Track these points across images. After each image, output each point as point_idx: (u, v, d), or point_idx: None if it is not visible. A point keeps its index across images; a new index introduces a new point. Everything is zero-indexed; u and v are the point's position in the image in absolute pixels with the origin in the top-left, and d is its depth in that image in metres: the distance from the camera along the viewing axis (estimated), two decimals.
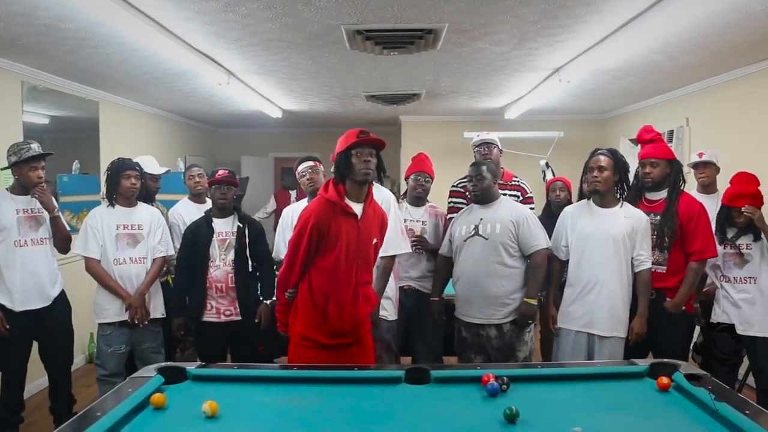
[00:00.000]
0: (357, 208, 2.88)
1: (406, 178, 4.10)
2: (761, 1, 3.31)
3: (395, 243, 3.36)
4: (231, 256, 3.73)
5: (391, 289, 3.51)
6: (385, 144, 2.91)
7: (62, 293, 3.86)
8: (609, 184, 3.36)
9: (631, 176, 3.50)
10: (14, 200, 3.69)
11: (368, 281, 3.01)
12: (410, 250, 3.59)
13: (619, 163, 3.38)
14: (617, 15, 3.54)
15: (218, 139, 10.27)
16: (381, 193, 3.47)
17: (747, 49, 4.41)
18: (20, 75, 4.73)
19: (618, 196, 3.42)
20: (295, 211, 3.56)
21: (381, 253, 3.38)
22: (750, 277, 3.59)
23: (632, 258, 3.33)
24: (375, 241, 2.97)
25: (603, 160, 3.35)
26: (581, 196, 3.63)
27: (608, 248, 3.31)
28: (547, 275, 3.62)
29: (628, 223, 3.33)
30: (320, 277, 2.87)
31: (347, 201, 2.87)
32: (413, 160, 4.09)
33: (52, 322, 3.77)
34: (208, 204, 4.50)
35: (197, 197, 4.62)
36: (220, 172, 3.85)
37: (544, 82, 5.60)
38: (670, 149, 3.62)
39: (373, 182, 2.97)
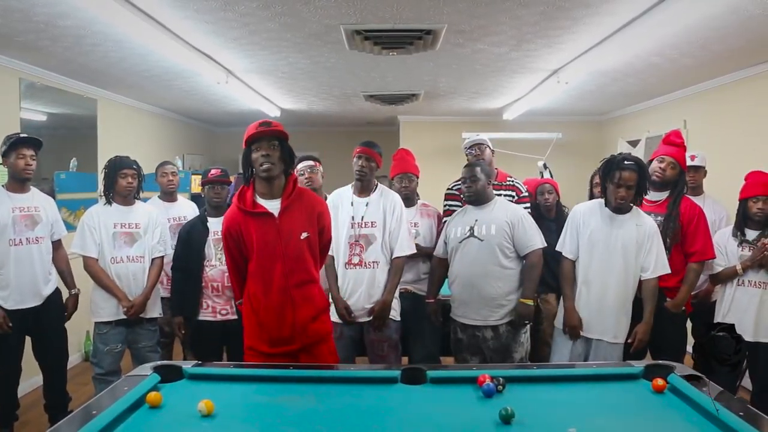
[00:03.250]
0: (272, 205, 2.72)
1: (391, 179, 4.00)
2: (759, 4, 3.32)
3: (408, 244, 3.48)
4: None
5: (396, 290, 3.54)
6: (287, 135, 2.69)
7: (56, 291, 3.86)
8: (631, 199, 3.31)
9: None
10: (10, 198, 3.65)
11: (306, 280, 2.77)
12: (414, 251, 3.59)
13: (643, 176, 3.31)
14: (616, 17, 3.55)
15: (216, 138, 10.27)
16: (388, 197, 3.52)
17: (745, 52, 4.42)
18: (18, 72, 4.72)
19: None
20: None
21: (396, 254, 3.44)
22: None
23: (641, 266, 3.30)
24: (305, 235, 2.73)
25: (632, 177, 3.24)
26: (591, 196, 3.70)
27: (617, 255, 3.28)
28: (543, 278, 3.62)
29: (639, 231, 3.29)
30: (252, 283, 2.78)
31: (259, 200, 2.73)
32: (394, 160, 4.01)
33: (45, 320, 3.76)
34: (179, 203, 4.55)
35: (168, 195, 4.61)
36: (213, 171, 3.84)
37: (542, 83, 5.61)
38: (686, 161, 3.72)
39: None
